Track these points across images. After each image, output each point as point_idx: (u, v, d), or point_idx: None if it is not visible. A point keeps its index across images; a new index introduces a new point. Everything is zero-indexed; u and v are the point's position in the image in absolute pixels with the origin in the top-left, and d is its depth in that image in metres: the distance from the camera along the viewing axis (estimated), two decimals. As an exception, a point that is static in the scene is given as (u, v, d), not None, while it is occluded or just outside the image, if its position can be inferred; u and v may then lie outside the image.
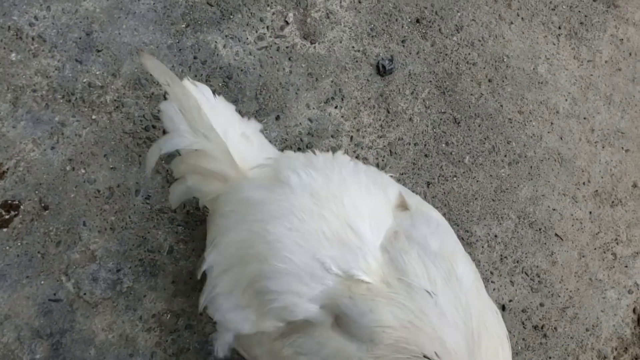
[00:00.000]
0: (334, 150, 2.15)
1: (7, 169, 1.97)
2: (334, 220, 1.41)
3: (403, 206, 1.57)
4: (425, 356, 1.32)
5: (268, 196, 1.45)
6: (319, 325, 1.38)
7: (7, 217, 1.93)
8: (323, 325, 1.38)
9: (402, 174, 2.17)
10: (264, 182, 1.50)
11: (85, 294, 1.89)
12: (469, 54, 2.37)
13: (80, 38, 2.11)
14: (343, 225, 1.41)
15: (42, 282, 1.90)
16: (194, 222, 2.02)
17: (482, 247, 2.16)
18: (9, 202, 1.94)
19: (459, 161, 2.23)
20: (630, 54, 2.58)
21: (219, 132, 1.51)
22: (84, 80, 2.09)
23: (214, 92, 2.05)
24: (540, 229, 2.23)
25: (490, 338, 1.41)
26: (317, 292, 1.37)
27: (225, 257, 1.47)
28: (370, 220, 1.44)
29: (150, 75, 2.03)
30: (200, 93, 1.58)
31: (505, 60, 2.39)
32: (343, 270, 1.36)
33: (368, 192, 1.50)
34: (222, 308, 1.47)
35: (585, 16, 2.51)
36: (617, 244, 2.29)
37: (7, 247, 1.91)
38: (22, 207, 1.95)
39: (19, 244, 1.92)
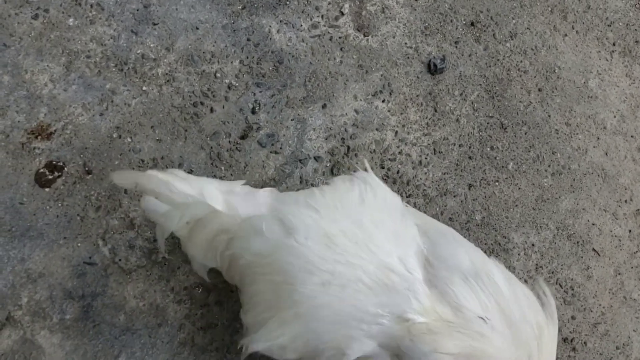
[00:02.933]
0: (377, 144, 2.15)
1: (55, 130, 1.99)
2: (369, 267, 1.37)
3: None
4: None
5: (279, 250, 1.41)
6: None
7: (50, 177, 1.95)
8: None
9: (445, 174, 2.16)
10: (264, 227, 1.45)
11: (120, 260, 1.90)
12: (521, 61, 2.35)
13: (137, 10, 2.13)
14: (381, 270, 1.37)
15: (79, 245, 1.91)
16: (234, 200, 2.02)
17: (519, 254, 2.14)
18: (54, 162, 1.96)
19: (503, 166, 2.21)
20: (682, 78, 2.56)
21: (195, 194, 1.50)
22: (138, 51, 2.11)
23: (263, 75, 2.06)
24: (578, 242, 2.20)
25: (544, 343, 1.42)
26: (373, 331, 1.34)
27: (262, 317, 1.44)
28: (400, 253, 1.41)
29: (203, 53, 2.05)
30: (168, 174, 1.54)
31: (556, 71, 2.37)
32: (397, 315, 1.34)
33: (384, 224, 1.47)
34: None
35: (641, 35, 2.50)
36: (654, 264, 2.26)
37: (48, 207, 1.92)
38: (65, 169, 1.96)
39: (60, 205, 1.93)
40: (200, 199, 1.49)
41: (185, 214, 1.51)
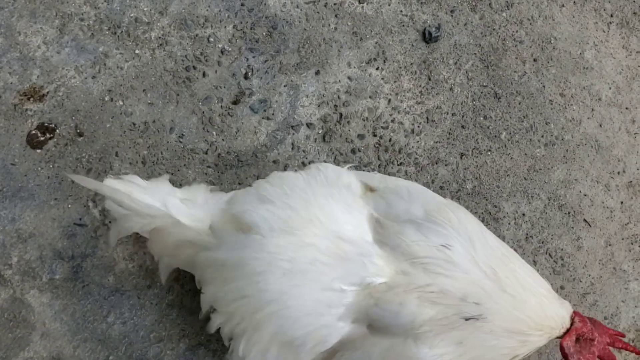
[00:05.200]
0: (370, 111, 2.14)
1: (47, 92, 1.99)
2: (322, 242, 1.40)
3: (370, 190, 1.57)
4: (463, 299, 1.34)
5: (243, 253, 1.43)
6: (357, 337, 1.39)
7: (42, 138, 1.96)
8: (361, 336, 1.39)
9: (437, 142, 2.16)
10: (228, 234, 1.48)
11: (110, 222, 1.91)
12: (517, 31, 2.34)
13: (131, -27, 2.12)
14: (333, 241, 1.40)
15: (69, 206, 1.92)
16: (224, 165, 2.02)
17: (509, 223, 2.14)
18: (46, 124, 1.97)
19: (495, 136, 2.21)
20: (680, 51, 2.54)
21: (158, 206, 1.51)
22: (131, 14, 2.10)
23: (256, 41, 2.06)
24: (569, 213, 2.20)
25: (508, 269, 1.44)
26: (342, 312, 1.37)
27: (239, 328, 1.45)
28: (351, 222, 1.44)
29: (196, 17, 2.04)
30: (127, 183, 1.56)
31: (552, 41, 2.36)
32: (357, 284, 1.37)
33: (333, 197, 1.49)
34: None
35: None
36: (646, 237, 2.26)
37: (39, 168, 1.93)
38: (57, 131, 1.97)
39: (51, 166, 1.94)
40: (164, 211, 1.51)
41: (149, 224, 1.54)
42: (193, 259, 1.56)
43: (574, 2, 2.42)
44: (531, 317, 1.40)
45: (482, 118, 2.22)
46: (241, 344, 1.43)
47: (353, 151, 2.10)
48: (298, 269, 1.37)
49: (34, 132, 1.96)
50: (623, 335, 1.56)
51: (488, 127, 2.21)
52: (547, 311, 1.43)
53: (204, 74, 2.09)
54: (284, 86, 2.13)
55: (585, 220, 2.21)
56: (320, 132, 2.11)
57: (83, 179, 1.53)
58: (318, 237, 1.40)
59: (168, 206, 1.51)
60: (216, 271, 1.50)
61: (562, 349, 1.47)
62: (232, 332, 1.47)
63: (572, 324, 1.48)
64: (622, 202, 2.26)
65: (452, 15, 2.30)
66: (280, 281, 1.37)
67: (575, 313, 1.50)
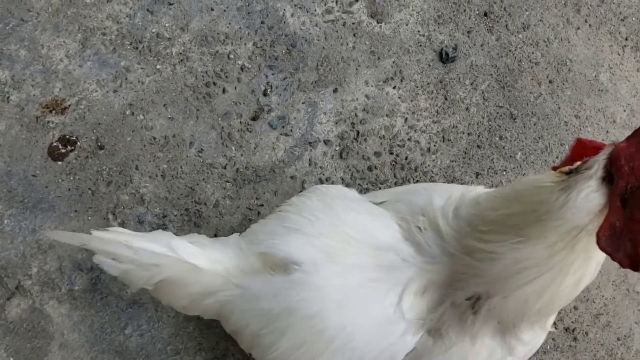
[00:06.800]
0: (387, 129, 2.16)
1: (69, 105, 2.02)
2: (363, 260, 1.31)
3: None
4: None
5: (290, 297, 1.28)
6: (426, 345, 1.31)
7: (63, 151, 1.98)
8: (429, 344, 1.31)
9: (453, 161, 2.18)
10: (260, 277, 1.32)
11: (129, 234, 1.93)
12: (533, 53, 2.36)
13: (154, -11, 2.15)
14: (373, 255, 1.31)
15: (89, 218, 1.94)
16: (242, 180, 2.04)
17: (523, 243, 2.15)
18: (67, 137, 1.99)
19: (511, 156, 2.23)
20: (694, 75, 2.56)
21: (164, 251, 1.30)
22: (153, 30, 2.13)
23: (276, 58, 2.08)
24: (583, 234, 2.22)
25: None
26: (404, 326, 1.28)
27: None
28: (381, 227, 1.36)
29: (217, 34, 2.07)
30: (117, 233, 1.32)
31: (568, 64, 2.38)
32: (410, 290, 1.28)
33: (354, 209, 1.42)
34: None
35: (654, 31, 2.50)
36: (660, 259, 2.27)
37: (60, 180, 1.95)
38: (78, 143, 1.99)
39: (72, 178, 1.96)
40: (173, 257, 1.30)
41: (157, 275, 1.31)
42: (218, 311, 1.39)
43: (590, 25, 2.45)
44: None
45: (497, 138, 2.24)
46: None
47: (369, 168, 2.12)
48: (351, 297, 1.28)
49: (55, 144, 1.98)
50: None
51: (504, 148, 2.23)
52: None
53: (223, 90, 2.12)
54: (302, 103, 2.15)
55: (599, 241, 2.22)
56: (337, 149, 2.13)
57: (63, 234, 1.38)
58: (358, 256, 1.31)
59: (177, 250, 1.30)
60: (261, 323, 1.33)
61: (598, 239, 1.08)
62: None
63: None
64: (635, 224, 2.27)
65: (468, 36, 2.33)
66: (337, 315, 1.27)
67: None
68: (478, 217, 1.23)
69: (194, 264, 1.30)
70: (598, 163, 1.04)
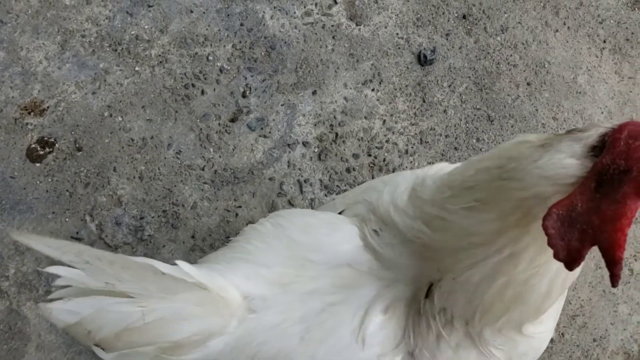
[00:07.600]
0: (365, 131, 2.18)
1: (48, 107, 2.02)
2: (322, 282, 1.17)
3: None
4: None
5: (247, 347, 1.14)
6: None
7: (41, 152, 1.99)
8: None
9: (430, 163, 2.19)
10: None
11: (106, 236, 1.94)
12: (511, 55, 2.38)
13: (133, -9, 2.16)
14: (333, 274, 1.18)
15: (67, 220, 1.95)
16: (220, 182, 2.05)
17: (500, 244, 2.17)
18: (45, 138, 2.00)
19: (488, 158, 2.24)
20: (672, 77, 2.58)
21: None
22: (132, 32, 2.14)
23: (255, 60, 2.09)
24: (559, 235, 2.23)
25: None
26: (378, 351, 1.14)
27: None
28: (342, 238, 1.23)
29: (196, 36, 2.08)
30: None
31: (546, 66, 2.40)
32: (376, 309, 1.14)
33: (310, 223, 1.28)
34: None
35: (632, 33, 2.51)
36: (636, 260, 2.29)
37: (38, 182, 1.96)
38: (57, 145, 2.00)
39: (50, 180, 1.97)
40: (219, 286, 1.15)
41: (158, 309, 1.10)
42: None
43: (568, 27, 2.47)
44: None
45: (474, 140, 2.26)
46: None
47: (348, 170, 2.14)
48: (314, 326, 1.14)
49: (33, 145, 1.99)
50: None
51: (481, 149, 2.25)
52: None
53: (202, 92, 2.13)
54: (281, 105, 2.16)
55: (575, 242, 2.24)
56: (315, 150, 2.14)
57: (53, 243, 1.03)
58: (316, 280, 1.17)
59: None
60: None
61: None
62: None
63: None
64: (612, 226, 2.29)
65: (447, 39, 2.34)
66: (302, 349, 1.13)
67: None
68: (445, 183, 1.07)
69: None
70: (596, 129, 0.86)
